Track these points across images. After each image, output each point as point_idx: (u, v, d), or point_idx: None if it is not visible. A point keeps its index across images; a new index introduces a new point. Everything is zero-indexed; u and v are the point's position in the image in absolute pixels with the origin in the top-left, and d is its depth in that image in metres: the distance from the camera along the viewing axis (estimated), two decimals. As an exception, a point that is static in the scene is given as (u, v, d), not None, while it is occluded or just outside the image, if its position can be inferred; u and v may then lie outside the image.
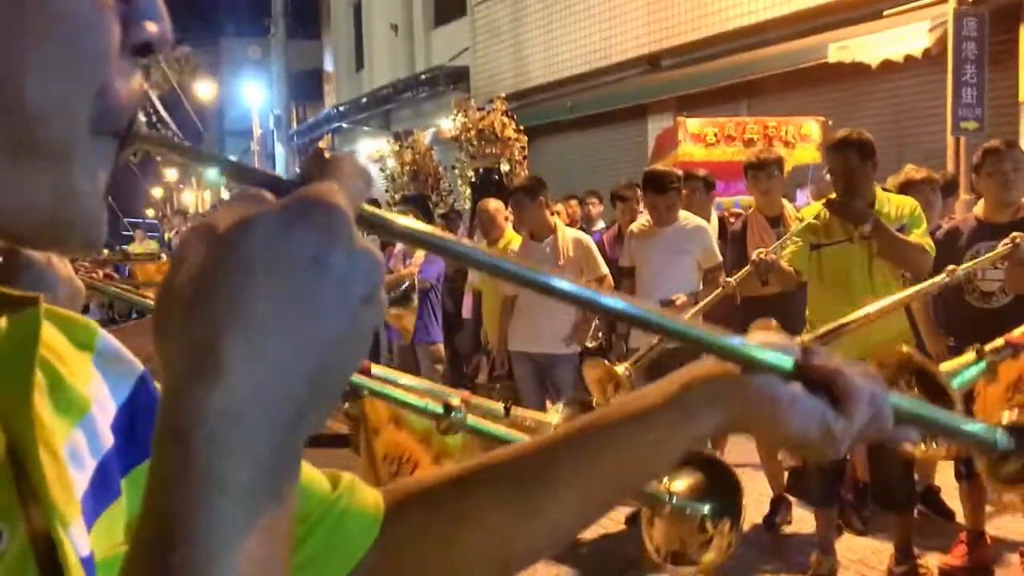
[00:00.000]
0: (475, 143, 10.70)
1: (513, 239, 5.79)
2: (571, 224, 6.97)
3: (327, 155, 0.45)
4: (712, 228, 5.64)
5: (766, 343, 0.67)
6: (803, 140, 7.36)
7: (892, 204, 3.90)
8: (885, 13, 7.89)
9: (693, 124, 7.74)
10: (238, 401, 0.39)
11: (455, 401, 1.79)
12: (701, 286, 4.83)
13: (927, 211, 4.16)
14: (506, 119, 10.60)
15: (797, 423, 0.66)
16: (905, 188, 4.47)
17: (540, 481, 0.70)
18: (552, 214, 6.66)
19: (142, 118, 0.49)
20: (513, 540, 0.71)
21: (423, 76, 14.68)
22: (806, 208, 4.52)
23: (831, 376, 0.66)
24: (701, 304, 4.51)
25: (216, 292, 0.40)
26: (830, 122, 7.18)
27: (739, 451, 5.66)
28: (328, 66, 23.17)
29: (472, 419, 1.80)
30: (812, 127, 7.46)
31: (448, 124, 11.76)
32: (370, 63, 17.79)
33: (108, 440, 0.54)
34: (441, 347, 7.11)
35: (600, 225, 7.70)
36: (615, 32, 11.82)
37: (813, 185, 6.76)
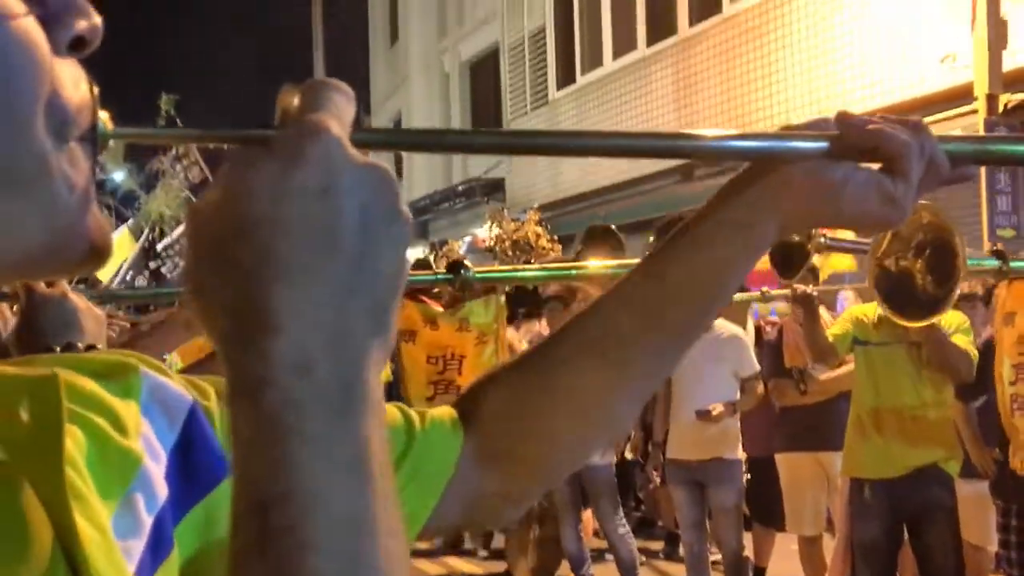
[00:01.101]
0: (509, 252, 10.84)
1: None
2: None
3: (298, 89, 0.44)
4: (748, 336, 5.61)
5: (797, 127, 0.65)
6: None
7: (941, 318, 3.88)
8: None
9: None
10: (299, 352, 0.39)
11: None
12: (739, 395, 4.79)
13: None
14: (540, 229, 10.76)
15: (855, 200, 0.63)
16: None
17: (620, 321, 0.68)
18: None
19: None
20: (611, 390, 0.69)
21: (460, 187, 15.00)
22: (854, 307, 4.48)
23: (875, 141, 0.62)
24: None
25: (244, 254, 0.39)
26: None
27: (779, 569, 5.50)
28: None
29: (481, 271, 2.03)
30: (846, 235, 7.46)
31: (483, 234, 11.95)
32: (410, 175, 18.22)
33: (163, 492, 0.53)
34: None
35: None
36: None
37: (853, 291, 6.73)
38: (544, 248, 10.83)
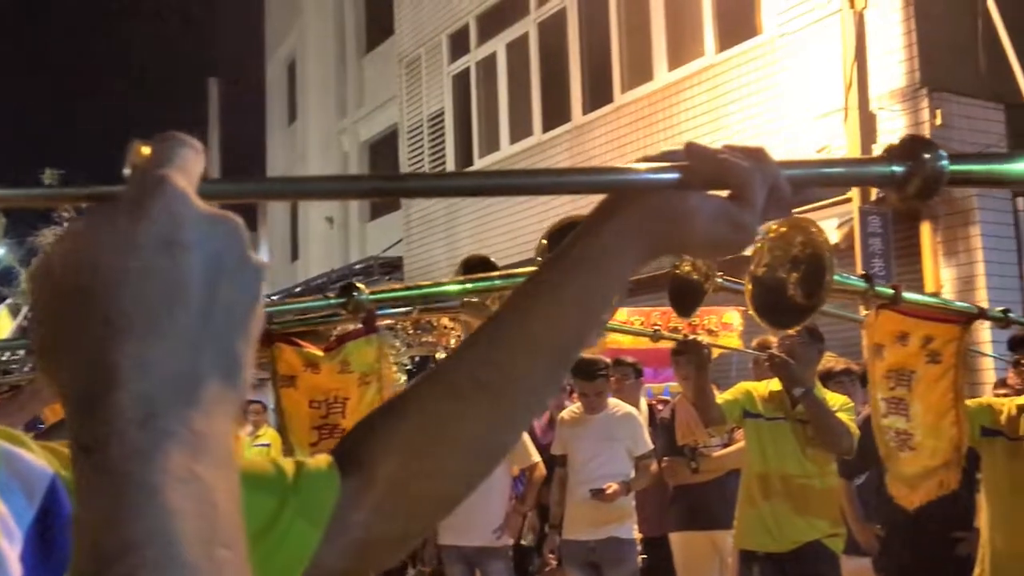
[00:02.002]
0: (411, 331, 10.78)
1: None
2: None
3: (147, 144, 0.44)
4: (642, 415, 5.69)
5: (649, 158, 0.67)
6: (725, 329, 7.59)
7: (825, 396, 4.01)
8: (795, 212, 8.41)
9: (620, 313, 7.95)
10: (142, 403, 0.38)
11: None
12: (633, 473, 4.83)
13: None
14: (439, 308, 10.75)
15: (707, 227, 0.66)
16: (825, 378, 4.60)
17: (496, 353, 0.69)
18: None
19: None
20: (491, 422, 0.70)
21: (357, 266, 14.91)
22: (746, 382, 4.59)
23: (722, 170, 0.65)
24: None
25: (86, 310, 0.39)
26: (750, 311, 7.45)
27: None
28: (264, 256, 23.40)
29: (375, 291, 1.99)
30: (734, 316, 7.72)
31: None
32: (305, 253, 18.06)
33: (16, 575, 0.50)
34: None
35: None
36: (547, 225, 12.28)
37: (738, 374, 6.94)
38: (446, 327, 10.82)
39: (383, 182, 0.78)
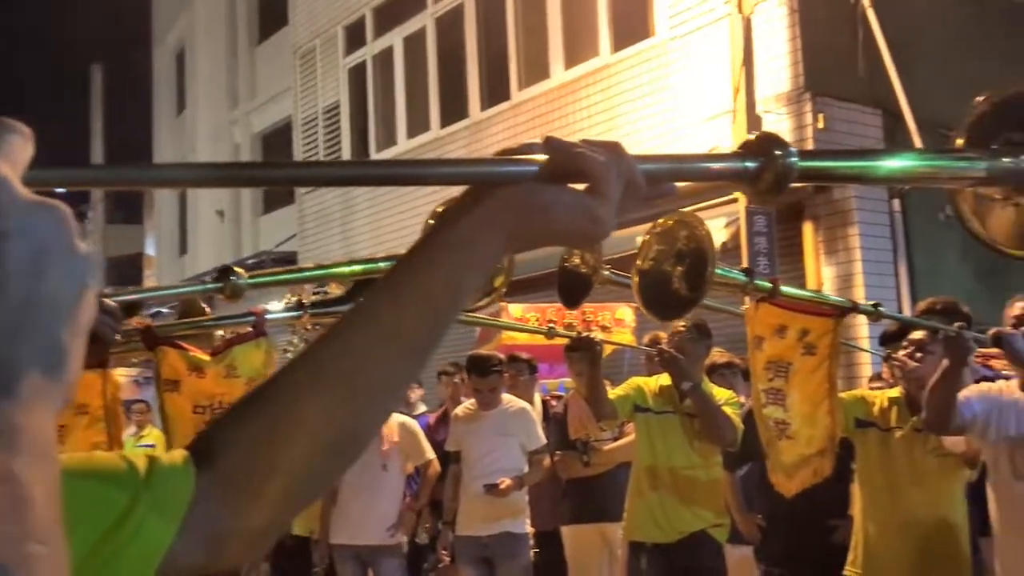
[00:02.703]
0: (308, 327, 10.60)
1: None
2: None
3: None
4: (536, 411, 5.74)
5: (510, 151, 0.68)
6: (618, 325, 7.72)
7: (711, 390, 4.12)
8: (684, 210, 8.62)
9: (515, 309, 8.00)
10: None
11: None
12: (526, 468, 4.86)
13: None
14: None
15: (564, 219, 0.67)
16: (709, 372, 4.72)
17: (353, 344, 0.69)
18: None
19: None
20: (348, 414, 0.69)
21: (249, 260, 14.57)
22: (638, 378, 4.67)
23: (579, 164, 0.67)
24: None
25: None
26: (637, 303, 7.61)
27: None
28: (150, 250, 22.65)
29: (254, 275, 1.96)
30: (627, 312, 7.86)
31: (278, 307, 11.63)
32: (194, 248, 17.54)
33: None
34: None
35: (422, 409, 7.69)
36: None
37: (630, 369, 7.07)
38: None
39: (221, 170, 0.76)
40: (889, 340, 3.82)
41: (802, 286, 7.95)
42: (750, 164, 0.78)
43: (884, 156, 0.93)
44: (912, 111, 7.27)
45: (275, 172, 0.71)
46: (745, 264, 7.56)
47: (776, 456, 3.20)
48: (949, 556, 3.29)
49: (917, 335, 3.35)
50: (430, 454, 5.27)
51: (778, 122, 7.68)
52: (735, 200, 7.54)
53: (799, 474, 3.17)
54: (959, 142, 1.00)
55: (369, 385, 0.70)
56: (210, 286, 2.16)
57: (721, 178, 0.81)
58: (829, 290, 7.81)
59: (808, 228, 7.91)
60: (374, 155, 12.26)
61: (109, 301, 2.12)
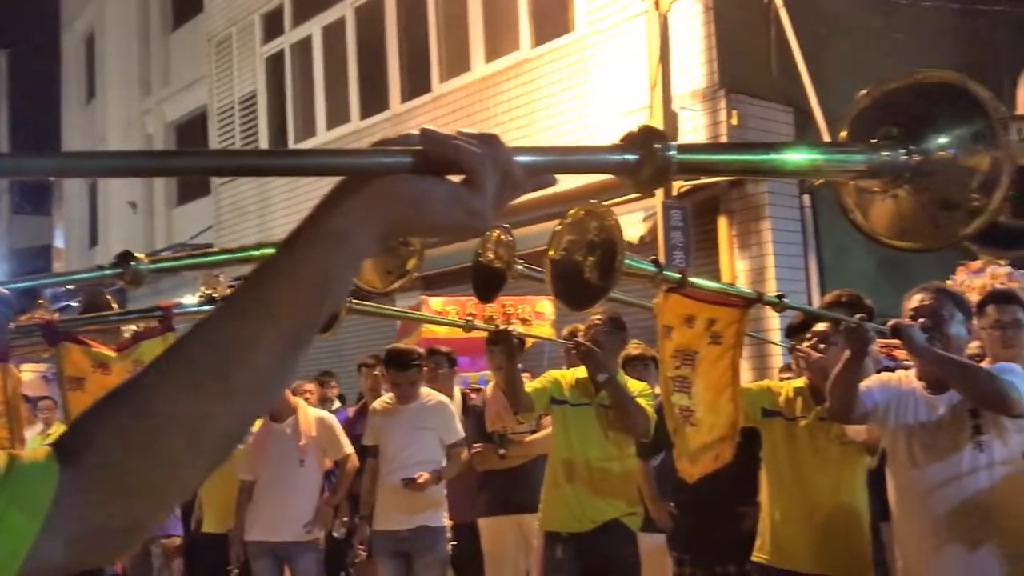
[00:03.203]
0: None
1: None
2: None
3: None
4: (456, 404, 5.74)
5: (387, 141, 0.68)
6: (538, 318, 7.77)
7: (626, 382, 4.18)
8: (604, 204, 8.71)
9: (435, 302, 7.98)
10: None
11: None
12: (444, 461, 4.86)
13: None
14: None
15: (440, 211, 0.67)
16: (625, 363, 4.79)
17: (223, 338, 0.68)
18: (301, 392, 6.52)
19: None
20: (218, 409, 0.68)
21: (163, 253, 14.21)
22: (554, 371, 4.69)
23: (454, 155, 0.67)
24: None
25: None
26: (554, 298, 7.66)
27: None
28: (59, 242, 21.90)
29: (155, 260, 1.96)
30: (546, 306, 7.91)
31: (192, 300, 11.37)
32: (105, 239, 17.00)
33: None
34: (178, 540, 6.56)
35: (338, 404, 7.64)
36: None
37: (549, 362, 7.12)
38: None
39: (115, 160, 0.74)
40: (794, 332, 3.93)
41: (717, 279, 8.12)
42: (630, 157, 0.80)
43: (767, 150, 0.95)
44: (822, 109, 7.48)
45: (141, 162, 0.69)
46: (662, 259, 7.69)
47: (682, 443, 3.27)
48: (851, 540, 3.40)
49: (820, 327, 3.45)
50: (348, 448, 5.22)
51: (693, 118, 7.82)
52: (652, 195, 7.64)
53: (701, 460, 3.25)
54: (842, 135, 1.03)
55: (240, 378, 0.68)
56: (108, 272, 2.09)
57: (602, 170, 0.83)
58: (743, 283, 7.99)
59: (723, 223, 8.08)
60: (292, 146, 12.07)
61: (2, 290, 2.05)
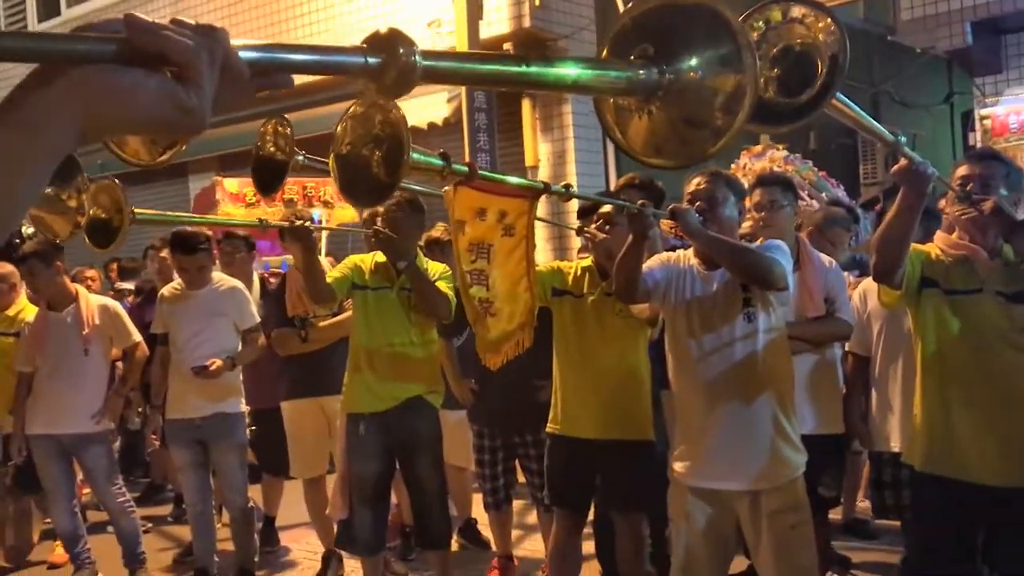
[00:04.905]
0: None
1: (28, 309, 5.21)
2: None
3: None
4: (255, 289, 5.57)
5: (89, 27, 0.62)
6: (341, 200, 7.60)
7: (427, 265, 4.15)
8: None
9: (231, 184, 7.64)
10: None
11: None
12: (240, 347, 4.74)
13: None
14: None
15: (147, 107, 0.62)
16: (431, 246, 4.78)
17: None
18: (83, 280, 6.12)
19: None
20: None
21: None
22: (354, 256, 4.61)
23: (162, 47, 0.62)
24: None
25: None
26: (342, 195, 7.51)
27: (289, 514, 5.61)
28: None
29: None
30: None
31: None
32: None
33: None
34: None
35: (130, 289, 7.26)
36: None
37: (354, 246, 7.01)
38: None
39: None
40: (584, 214, 4.05)
41: (521, 161, 8.21)
42: (372, 60, 0.77)
43: (520, 63, 0.94)
44: (622, -7, 7.56)
45: None
46: (467, 141, 7.66)
47: (483, 333, 3.34)
48: (634, 407, 3.62)
49: (605, 209, 3.57)
50: (136, 337, 4.99)
51: (498, -2, 7.71)
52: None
53: (503, 348, 3.34)
54: (604, 53, 1.03)
55: None
56: None
57: (341, 71, 0.79)
58: (545, 165, 8.12)
59: (527, 106, 8.12)
60: (65, 10, 10.99)
61: None
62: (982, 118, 8.91)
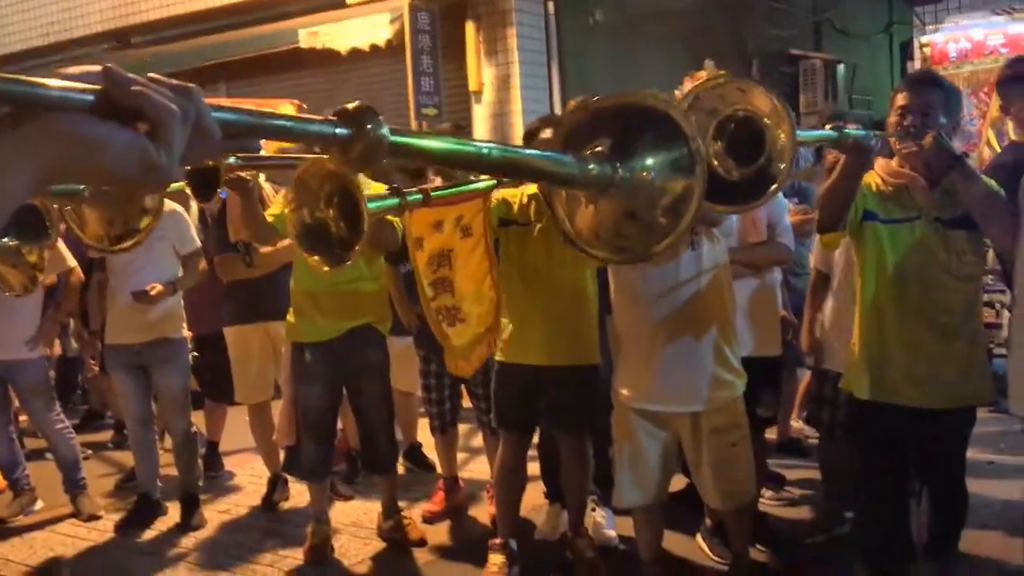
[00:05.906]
0: None
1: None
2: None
3: None
4: (193, 214, 5.45)
5: (68, 74, 0.62)
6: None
7: (369, 186, 4.08)
8: (349, 2, 8.28)
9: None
10: None
11: None
12: (181, 272, 4.66)
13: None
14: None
15: (115, 161, 0.62)
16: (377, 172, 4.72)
17: None
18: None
19: None
20: None
21: None
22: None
23: (138, 103, 0.62)
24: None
25: None
26: (304, 106, 7.37)
27: (232, 439, 5.60)
28: None
29: None
30: (289, 110, 7.58)
31: None
32: None
33: None
34: None
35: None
36: (77, 3, 10.82)
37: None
38: None
39: None
40: (528, 137, 4.03)
41: (465, 87, 8.10)
42: (341, 131, 0.79)
43: (481, 148, 0.98)
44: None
45: None
46: (409, 64, 7.51)
47: (449, 345, 3.35)
48: (581, 333, 3.65)
49: (546, 135, 3.53)
50: (72, 262, 4.87)
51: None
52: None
53: (475, 353, 3.36)
54: (558, 144, 1.06)
55: None
56: None
57: (309, 140, 0.80)
58: (489, 90, 8.01)
59: (470, 28, 7.96)
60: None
61: None
62: (922, 46, 9.01)
